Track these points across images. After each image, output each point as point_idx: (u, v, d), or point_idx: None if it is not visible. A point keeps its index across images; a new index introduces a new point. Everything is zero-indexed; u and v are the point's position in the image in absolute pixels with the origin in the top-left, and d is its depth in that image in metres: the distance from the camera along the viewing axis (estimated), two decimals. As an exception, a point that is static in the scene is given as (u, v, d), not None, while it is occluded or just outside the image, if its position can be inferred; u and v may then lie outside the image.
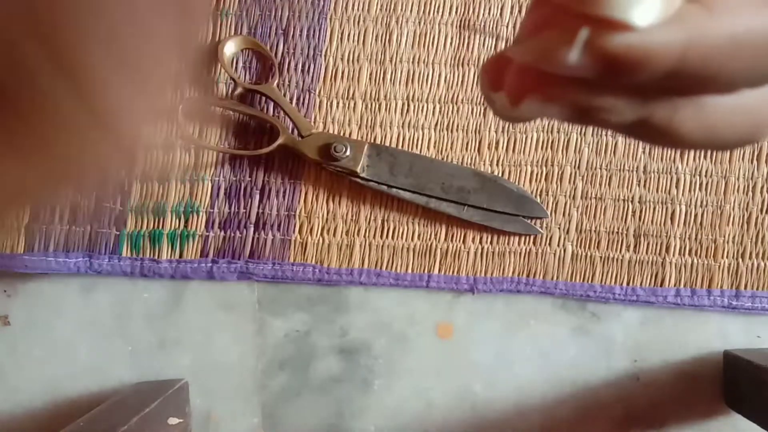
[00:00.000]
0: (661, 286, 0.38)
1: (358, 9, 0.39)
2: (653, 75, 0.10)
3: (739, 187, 0.38)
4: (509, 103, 0.12)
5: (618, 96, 0.11)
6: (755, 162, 0.38)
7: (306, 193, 0.38)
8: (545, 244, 0.38)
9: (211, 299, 0.39)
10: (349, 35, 0.39)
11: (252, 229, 0.38)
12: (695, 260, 0.38)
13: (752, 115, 0.12)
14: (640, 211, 0.38)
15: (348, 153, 0.37)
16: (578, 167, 0.38)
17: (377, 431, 0.39)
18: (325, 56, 0.39)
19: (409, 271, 0.38)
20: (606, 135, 0.38)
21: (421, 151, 0.38)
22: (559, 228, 0.38)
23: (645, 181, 0.38)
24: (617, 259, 0.38)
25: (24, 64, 0.09)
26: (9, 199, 0.12)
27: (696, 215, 0.38)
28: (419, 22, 0.39)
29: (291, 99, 0.39)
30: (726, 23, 0.10)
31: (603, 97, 0.11)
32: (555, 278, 0.38)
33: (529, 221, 0.38)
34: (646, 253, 0.38)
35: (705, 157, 0.38)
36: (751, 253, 0.38)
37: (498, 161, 0.38)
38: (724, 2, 0.10)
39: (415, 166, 0.37)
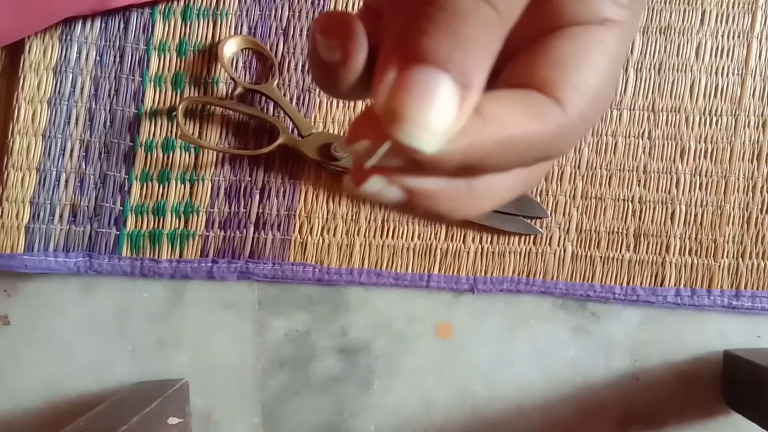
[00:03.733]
0: (661, 286, 0.38)
1: (357, 8, 0.39)
2: (446, 171, 0.13)
3: (739, 187, 0.38)
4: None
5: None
6: (755, 162, 0.38)
7: (306, 193, 0.38)
8: (545, 244, 0.38)
9: (211, 299, 0.39)
10: (349, 35, 0.39)
11: (252, 228, 0.38)
12: (695, 260, 0.38)
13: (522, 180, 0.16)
14: (640, 211, 0.38)
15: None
16: (578, 167, 0.38)
17: (377, 431, 0.39)
18: (325, 56, 0.39)
19: (409, 271, 0.38)
20: (606, 135, 0.38)
21: (421, 151, 0.38)
22: (559, 228, 0.38)
23: (645, 181, 0.38)
24: (617, 259, 0.38)
25: None
26: None
27: (696, 215, 0.38)
28: (419, 22, 0.39)
29: (291, 99, 0.39)
30: (494, 131, 0.13)
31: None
32: (555, 278, 0.38)
33: (529, 221, 0.38)
34: (646, 253, 0.38)
35: (705, 157, 0.38)
36: (751, 253, 0.38)
37: (498, 161, 0.38)
38: (492, 113, 0.13)
39: (415, 166, 0.37)
